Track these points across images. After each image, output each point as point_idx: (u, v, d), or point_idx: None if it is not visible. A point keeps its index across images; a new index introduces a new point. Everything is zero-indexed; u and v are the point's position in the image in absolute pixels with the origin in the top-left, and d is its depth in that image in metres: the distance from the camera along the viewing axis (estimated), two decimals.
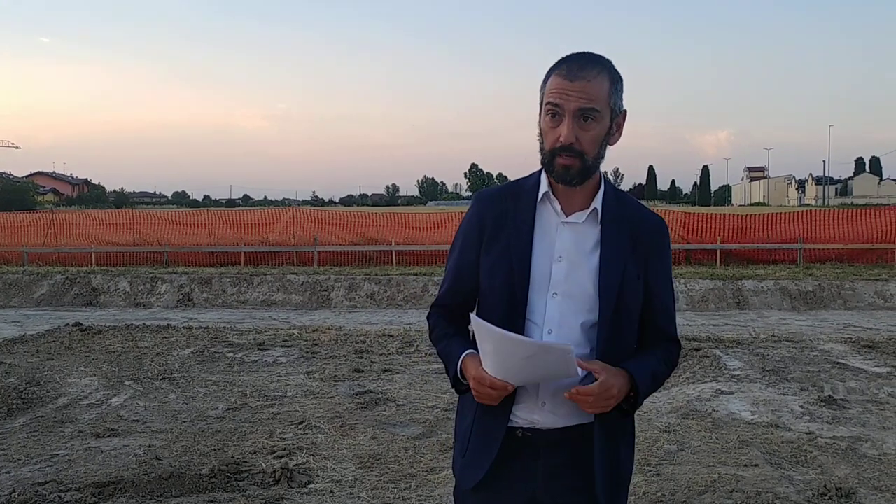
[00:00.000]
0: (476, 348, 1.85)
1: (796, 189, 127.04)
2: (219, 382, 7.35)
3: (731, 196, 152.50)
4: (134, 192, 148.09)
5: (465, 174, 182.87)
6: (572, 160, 1.77)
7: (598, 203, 1.86)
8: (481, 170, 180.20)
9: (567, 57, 1.81)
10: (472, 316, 1.77)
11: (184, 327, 10.92)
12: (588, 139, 1.78)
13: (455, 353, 1.90)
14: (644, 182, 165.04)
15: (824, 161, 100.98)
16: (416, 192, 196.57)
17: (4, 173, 79.89)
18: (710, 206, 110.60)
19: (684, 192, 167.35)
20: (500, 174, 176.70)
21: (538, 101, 1.86)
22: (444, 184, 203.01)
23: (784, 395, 6.75)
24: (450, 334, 1.98)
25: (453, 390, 1.96)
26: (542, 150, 1.84)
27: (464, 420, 1.98)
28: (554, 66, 1.82)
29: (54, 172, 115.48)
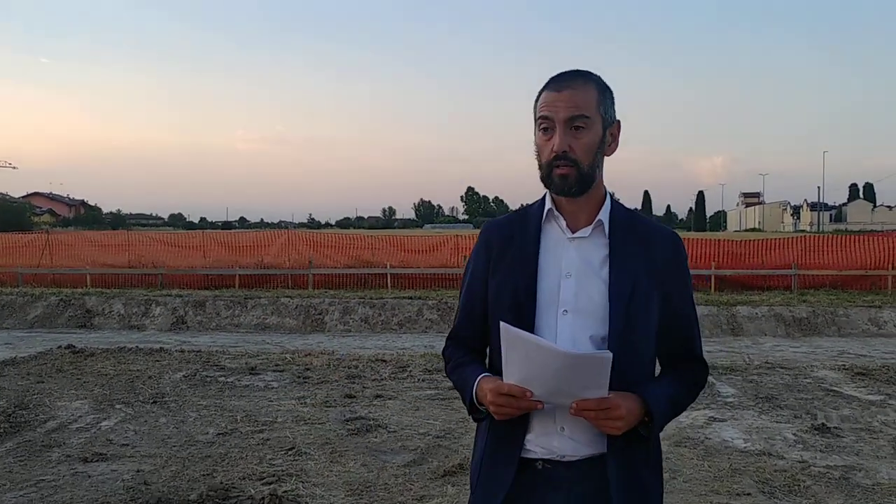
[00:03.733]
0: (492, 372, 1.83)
1: (791, 215, 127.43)
2: (210, 407, 7.31)
3: (726, 221, 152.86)
4: (130, 214, 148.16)
5: (462, 197, 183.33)
6: (568, 169, 1.77)
7: (604, 216, 1.84)
8: (478, 193, 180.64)
9: (555, 75, 1.84)
10: (502, 323, 1.68)
11: (176, 350, 10.87)
12: (581, 147, 1.77)
13: (470, 378, 1.86)
14: (639, 207, 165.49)
15: (819, 187, 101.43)
16: (412, 214, 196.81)
17: (1, 194, 79.85)
18: (705, 231, 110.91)
19: (679, 218, 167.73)
20: (496, 197, 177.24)
21: (532, 123, 1.87)
22: (440, 207, 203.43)
23: (777, 422, 6.73)
24: (465, 363, 1.94)
25: (470, 418, 1.90)
26: (539, 167, 1.84)
27: (475, 453, 1.93)
28: (545, 84, 1.84)
29: (51, 193, 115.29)
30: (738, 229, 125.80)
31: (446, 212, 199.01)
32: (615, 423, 1.68)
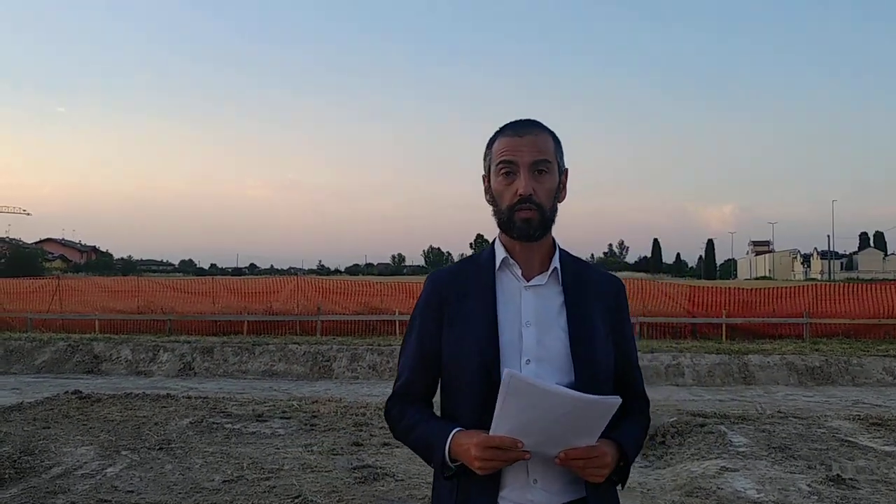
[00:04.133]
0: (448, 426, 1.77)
1: (802, 263, 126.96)
2: (216, 454, 7.24)
3: (736, 270, 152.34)
4: (141, 260, 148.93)
5: (471, 244, 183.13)
6: (532, 213, 1.78)
7: (556, 263, 1.86)
8: (487, 240, 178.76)
9: (512, 122, 1.87)
10: (509, 371, 1.60)
11: (183, 397, 10.82)
12: (543, 192, 1.80)
13: (438, 433, 1.76)
14: (649, 255, 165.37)
15: (829, 235, 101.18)
16: (422, 261, 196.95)
17: (15, 239, 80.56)
18: (715, 279, 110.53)
19: (689, 266, 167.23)
20: None
21: (484, 172, 1.90)
22: (450, 254, 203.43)
23: (791, 473, 6.60)
24: (423, 419, 1.85)
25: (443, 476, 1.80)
26: (497, 212, 1.84)
27: None
28: (495, 133, 1.87)
29: (63, 239, 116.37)
30: (749, 277, 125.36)
31: (456, 258, 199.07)
32: (602, 470, 1.68)
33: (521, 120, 1.86)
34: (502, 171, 1.81)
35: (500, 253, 1.86)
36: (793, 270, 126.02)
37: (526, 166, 1.79)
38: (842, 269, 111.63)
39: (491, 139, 1.88)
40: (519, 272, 1.84)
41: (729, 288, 20.21)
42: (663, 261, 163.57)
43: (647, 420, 1.98)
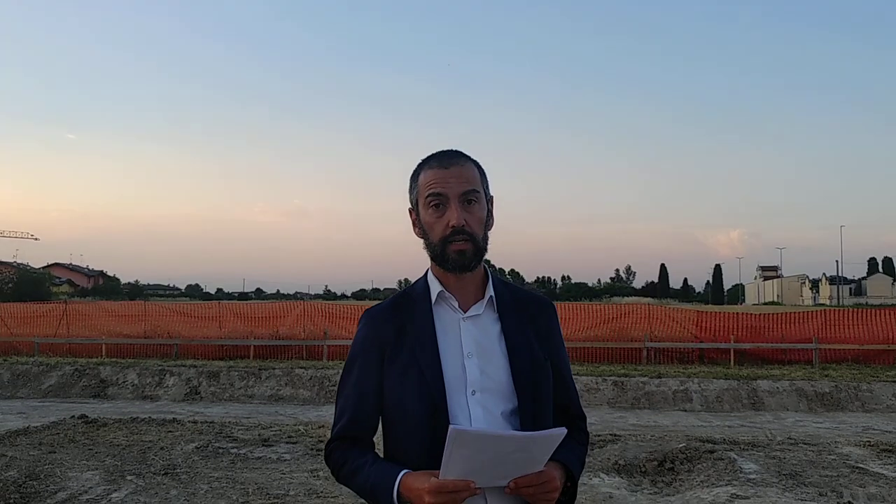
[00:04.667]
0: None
1: (810, 289, 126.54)
2: (221, 479, 7.20)
3: (744, 295, 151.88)
4: (148, 285, 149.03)
5: None
6: (465, 244, 1.78)
7: (491, 291, 1.86)
8: (493, 265, 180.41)
9: (434, 153, 1.87)
10: (454, 427, 1.58)
11: (189, 421, 10.79)
12: (475, 221, 1.81)
13: (385, 476, 1.72)
14: (656, 280, 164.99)
15: (837, 261, 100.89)
16: None
17: (22, 264, 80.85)
18: (723, 304, 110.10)
19: (697, 291, 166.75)
20: (511, 270, 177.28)
21: (411, 205, 1.88)
22: None
23: (802, 500, 6.53)
24: (367, 462, 1.80)
25: None
26: (430, 245, 1.83)
27: None
28: (419, 166, 1.87)
29: (71, 264, 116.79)
30: (757, 303, 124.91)
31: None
32: (552, 494, 1.69)
33: (444, 151, 1.87)
34: (432, 203, 1.80)
35: (435, 286, 1.85)
36: (801, 296, 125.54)
37: (455, 197, 1.79)
38: (850, 294, 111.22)
39: (415, 172, 1.87)
40: (455, 304, 1.84)
41: (737, 313, 20.13)
42: (671, 286, 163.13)
43: (587, 436, 1.99)
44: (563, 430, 1.65)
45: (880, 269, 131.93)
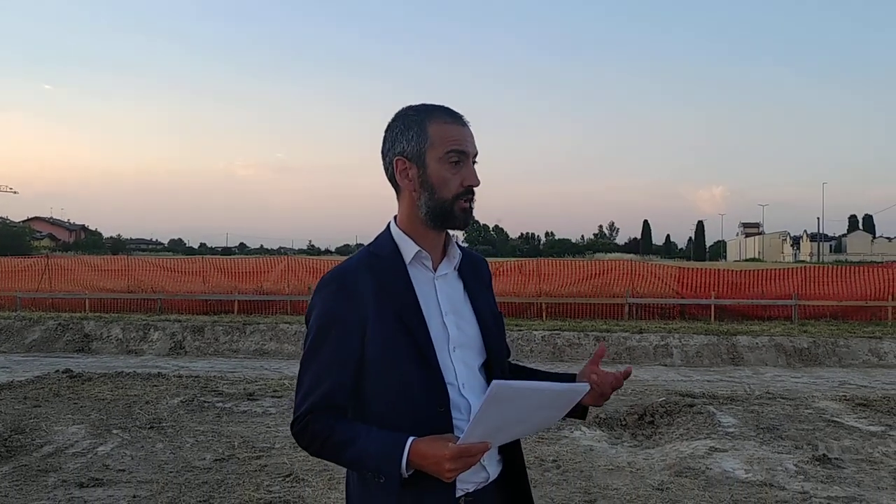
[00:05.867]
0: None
1: (791, 245, 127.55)
2: (207, 432, 7.26)
3: (726, 251, 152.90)
4: (131, 239, 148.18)
5: None
6: (471, 203, 1.82)
7: (457, 251, 1.90)
8: (477, 221, 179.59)
9: (437, 106, 1.84)
10: (497, 382, 1.55)
11: (174, 376, 10.83)
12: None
13: (391, 444, 1.66)
14: (639, 237, 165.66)
15: (818, 218, 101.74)
16: None
17: (2, 218, 79.99)
18: (704, 260, 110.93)
19: (679, 247, 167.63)
20: (496, 226, 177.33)
21: (405, 155, 1.80)
22: None
23: (778, 453, 6.68)
24: (363, 432, 1.71)
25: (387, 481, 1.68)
26: (433, 199, 1.79)
27: None
28: (423, 115, 1.81)
29: (51, 218, 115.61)
30: (738, 259, 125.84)
31: None
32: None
33: (452, 109, 1.84)
34: (452, 159, 1.78)
35: (409, 244, 1.82)
36: (782, 253, 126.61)
37: (471, 157, 1.82)
38: (831, 251, 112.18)
39: (416, 120, 1.80)
40: (430, 263, 1.85)
41: (718, 269, 20.30)
42: (653, 242, 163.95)
43: None
44: (586, 386, 1.74)
45: (861, 226, 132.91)
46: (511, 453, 1.88)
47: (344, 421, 1.76)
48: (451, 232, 1.91)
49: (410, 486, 1.66)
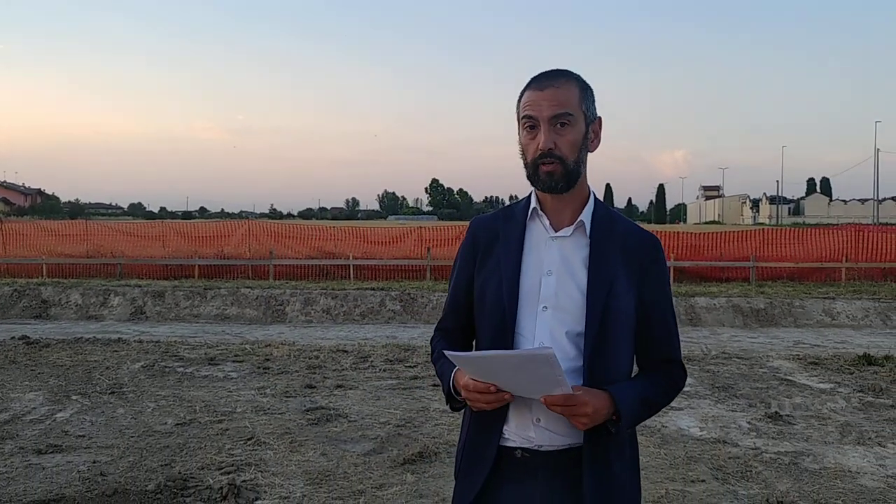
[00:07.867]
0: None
1: (751, 208, 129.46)
2: (168, 397, 7.24)
3: (686, 214, 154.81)
4: (89, 203, 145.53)
5: (426, 189, 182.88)
6: (553, 166, 1.81)
7: (586, 217, 1.89)
8: (442, 185, 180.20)
9: (536, 74, 1.88)
10: (448, 353, 1.75)
11: (135, 341, 10.75)
12: (565, 144, 1.81)
13: (447, 370, 1.92)
14: (601, 199, 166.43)
15: (777, 181, 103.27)
16: (376, 206, 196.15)
17: None
18: (665, 223, 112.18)
19: (640, 211, 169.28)
20: (460, 189, 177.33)
21: (516, 124, 1.91)
22: (404, 198, 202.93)
23: (733, 411, 6.86)
24: (443, 354, 1.91)
25: (447, 408, 1.99)
26: (525, 166, 1.88)
27: (459, 441, 2.00)
28: (525, 85, 1.88)
29: (5, 182, 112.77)
30: (698, 222, 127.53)
31: (411, 203, 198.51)
32: (580, 418, 1.71)
33: (546, 72, 1.88)
34: (526, 125, 1.85)
35: (533, 203, 1.92)
36: (742, 215, 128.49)
37: (546, 120, 1.81)
38: (789, 213, 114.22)
39: (521, 93, 1.89)
40: (547, 223, 1.90)
41: (678, 232, 20.54)
42: (615, 205, 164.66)
43: (675, 385, 1.97)
44: (548, 349, 1.63)
45: (818, 189, 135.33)
46: (590, 437, 1.79)
47: (446, 341, 2.05)
48: (596, 198, 1.94)
49: (475, 422, 1.91)
